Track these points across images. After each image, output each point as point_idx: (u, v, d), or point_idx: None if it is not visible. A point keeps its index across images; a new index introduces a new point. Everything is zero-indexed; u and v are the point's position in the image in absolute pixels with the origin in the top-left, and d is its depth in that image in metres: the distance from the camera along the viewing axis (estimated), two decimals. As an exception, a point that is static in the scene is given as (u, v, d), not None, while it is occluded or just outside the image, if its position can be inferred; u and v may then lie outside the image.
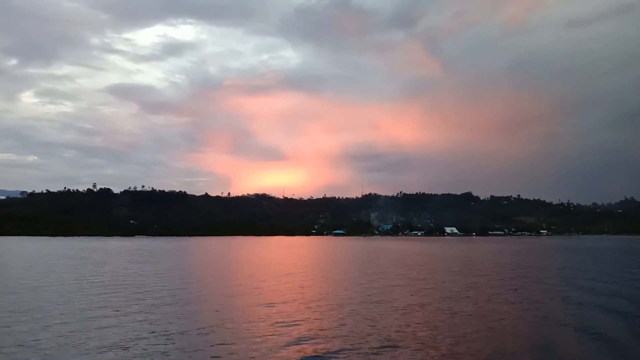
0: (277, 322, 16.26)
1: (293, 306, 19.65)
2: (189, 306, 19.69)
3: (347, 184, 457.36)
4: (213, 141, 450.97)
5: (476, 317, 17.24)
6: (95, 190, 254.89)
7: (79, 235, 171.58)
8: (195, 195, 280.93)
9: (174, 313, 18.09)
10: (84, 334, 14.63)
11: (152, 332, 14.77)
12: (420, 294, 23.06)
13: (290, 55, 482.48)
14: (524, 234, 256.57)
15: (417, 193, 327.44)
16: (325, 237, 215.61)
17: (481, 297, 22.08)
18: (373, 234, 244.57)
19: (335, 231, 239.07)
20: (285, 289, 25.45)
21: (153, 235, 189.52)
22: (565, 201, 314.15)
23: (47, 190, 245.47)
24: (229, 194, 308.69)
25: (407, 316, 17.44)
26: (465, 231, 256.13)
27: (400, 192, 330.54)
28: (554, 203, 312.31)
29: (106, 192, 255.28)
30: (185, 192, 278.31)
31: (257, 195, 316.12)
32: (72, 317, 17.22)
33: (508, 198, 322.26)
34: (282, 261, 48.96)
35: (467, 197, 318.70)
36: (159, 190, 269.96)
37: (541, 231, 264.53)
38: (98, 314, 17.88)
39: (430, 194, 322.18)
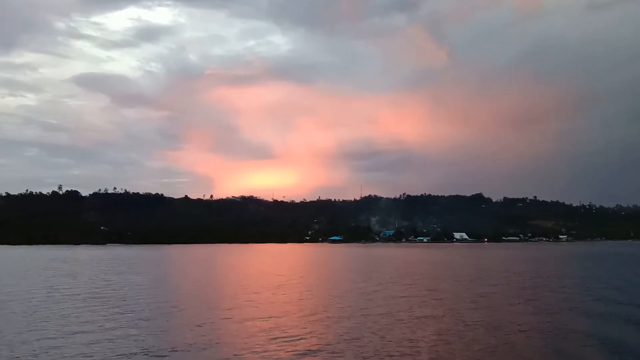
0: (278, 337, 16.74)
1: (293, 319, 20.16)
2: (178, 320, 20.13)
3: (344, 185, 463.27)
4: (193, 137, 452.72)
5: (491, 330, 17.85)
6: (61, 192, 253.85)
7: (43, 244, 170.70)
8: (174, 198, 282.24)
9: (163, 328, 18.52)
10: (68, 350, 15.01)
11: (143, 349, 15.16)
12: (431, 306, 23.65)
13: (279, 41, 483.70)
14: (541, 240, 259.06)
15: (421, 195, 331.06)
16: (320, 244, 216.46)
17: (495, 309, 22.72)
18: (374, 241, 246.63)
19: (332, 237, 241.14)
20: (283, 301, 25.96)
21: (128, 243, 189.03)
22: (586, 203, 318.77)
23: (6, 193, 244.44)
24: (211, 196, 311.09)
25: (418, 329, 18.01)
26: (475, 237, 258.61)
27: (403, 194, 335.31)
28: (574, 205, 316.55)
29: (73, 195, 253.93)
30: (162, 194, 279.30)
31: (243, 197, 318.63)
32: (52, 332, 17.58)
33: (523, 200, 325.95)
34: (275, 271, 49.47)
35: (478, 198, 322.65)
36: (133, 193, 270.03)
37: (560, 236, 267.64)
38: (80, 329, 18.25)
39: (437, 196, 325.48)
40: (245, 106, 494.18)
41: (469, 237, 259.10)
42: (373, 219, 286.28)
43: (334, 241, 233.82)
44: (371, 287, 32.41)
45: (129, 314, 21.57)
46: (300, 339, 16.58)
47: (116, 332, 17.63)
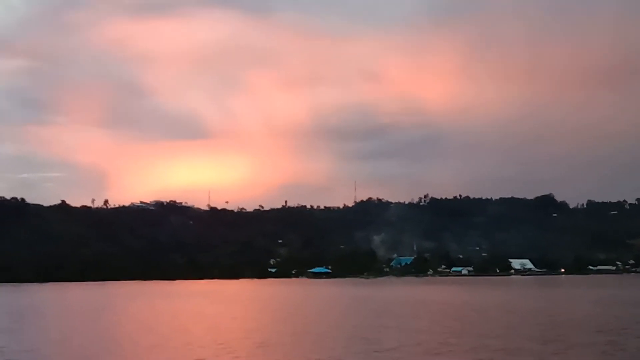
0: None
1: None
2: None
3: (327, 183, 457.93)
4: (72, 105, 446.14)
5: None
6: None
7: None
8: (41, 207, 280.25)
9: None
10: None
11: None
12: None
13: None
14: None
15: (455, 198, 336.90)
16: (295, 280, 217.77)
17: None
18: (381, 273, 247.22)
19: (314, 269, 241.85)
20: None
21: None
22: None
23: None
24: (106, 202, 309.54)
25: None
26: (546, 265, 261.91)
27: (426, 197, 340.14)
28: None
29: None
30: (23, 199, 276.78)
31: (159, 203, 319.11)
32: None
33: (620, 205, 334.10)
34: (234, 334, 49.45)
35: (546, 203, 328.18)
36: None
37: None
38: None
39: (480, 200, 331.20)
40: (160, 52, 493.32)
41: (536, 267, 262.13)
42: (377, 238, 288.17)
43: (317, 275, 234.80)
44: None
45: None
46: None
47: None
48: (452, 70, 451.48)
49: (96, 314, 67.39)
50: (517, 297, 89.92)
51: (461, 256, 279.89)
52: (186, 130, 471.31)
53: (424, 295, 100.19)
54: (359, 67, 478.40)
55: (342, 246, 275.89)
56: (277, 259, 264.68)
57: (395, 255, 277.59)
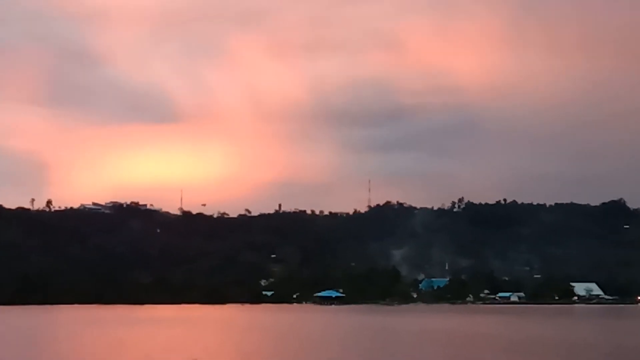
0: None
1: None
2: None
3: (333, 181, 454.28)
4: (6, 80, 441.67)
5: None
6: None
7: None
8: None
9: None
10: None
11: None
12: None
13: None
14: None
15: (498, 203, 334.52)
16: (297, 306, 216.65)
17: None
18: (408, 299, 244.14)
19: (323, 293, 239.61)
20: None
21: None
22: None
23: None
24: (49, 203, 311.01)
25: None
26: (617, 291, 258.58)
27: (460, 201, 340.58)
28: None
29: None
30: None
31: (116, 205, 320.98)
32: None
33: None
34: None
35: (614, 211, 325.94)
36: None
37: None
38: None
39: (530, 205, 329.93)
40: (116, 9, 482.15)
41: (605, 294, 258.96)
42: (397, 254, 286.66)
43: (325, 300, 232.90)
44: None
45: None
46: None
47: None
48: (489, 38, 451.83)
49: (36, 351, 62.37)
50: (589, 331, 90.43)
51: (507, 278, 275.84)
52: (150, 111, 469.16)
53: (473, 327, 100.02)
54: (371, 32, 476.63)
55: (352, 263, 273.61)
56: (270, 279, 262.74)
57: (422, 275, 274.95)
